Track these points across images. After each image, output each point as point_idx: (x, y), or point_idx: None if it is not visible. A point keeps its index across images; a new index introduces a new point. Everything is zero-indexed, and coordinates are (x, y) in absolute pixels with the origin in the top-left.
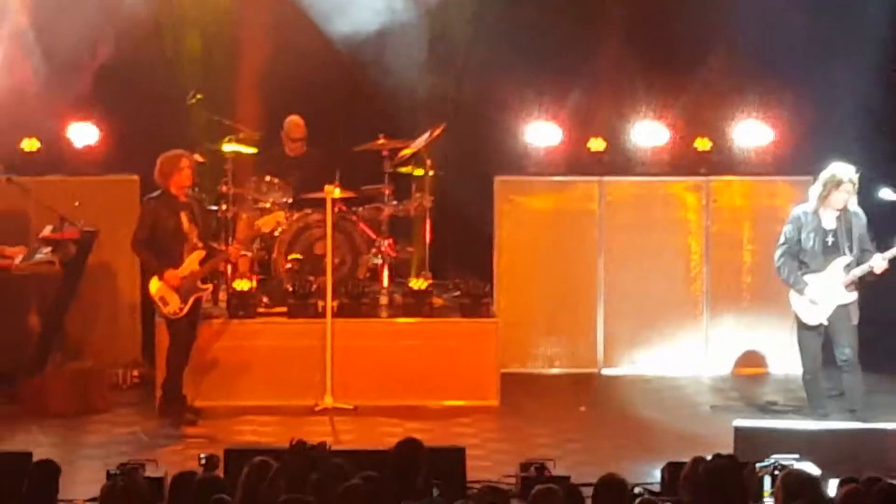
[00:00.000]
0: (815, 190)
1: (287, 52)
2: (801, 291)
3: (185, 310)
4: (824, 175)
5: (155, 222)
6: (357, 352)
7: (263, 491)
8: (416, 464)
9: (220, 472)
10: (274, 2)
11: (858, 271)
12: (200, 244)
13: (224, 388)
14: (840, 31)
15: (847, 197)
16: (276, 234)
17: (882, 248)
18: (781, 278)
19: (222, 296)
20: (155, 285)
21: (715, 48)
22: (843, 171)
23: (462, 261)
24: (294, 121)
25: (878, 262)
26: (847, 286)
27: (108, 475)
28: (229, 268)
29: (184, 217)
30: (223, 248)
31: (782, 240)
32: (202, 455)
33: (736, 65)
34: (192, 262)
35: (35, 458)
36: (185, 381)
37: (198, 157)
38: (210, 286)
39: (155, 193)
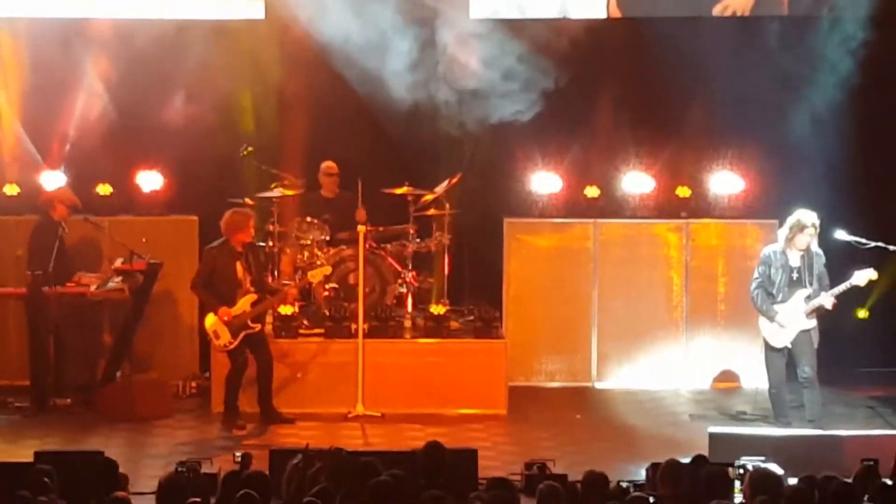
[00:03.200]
0: (783, 233)
1: (326, 113)
2: (771, 318)
3: (235, 344)
4: (790, 220)
5: (213, 269)
6: (385, 367)
7: (306, 483)
8: (441, 463)
9: (265, 470)
10: (315, 69)
11: (814, 304)
12: (253, 289)
13: None
14: (802, 94)
15: (809, 239)
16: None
17: (835, 283)
18: (755, 307)
19: (269, 319)
20: (210, 320)
21: (694, 110)
22: (807, 217)
23: (475, 290)
24: (328, 163)
25: (827, 300)
26: (808, 314)
27: (176, 471)
28: None
29: (239, 266)
30: (282, 289)
31: (756, 275)
32: (237, 454)
33: (712, 124)
34: (244, 303)
35: (106, 457)
36: (242, 395)
37: (248, 201)
38: (259, 326)
39: (216, 243)
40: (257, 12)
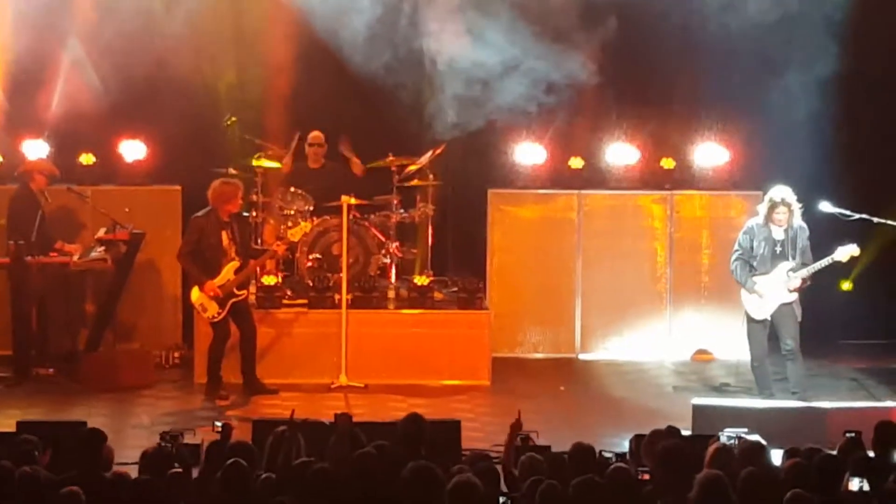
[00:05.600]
0: (762, 208)
1: (310, 83)
2: (750, 290)
3: (223, 314)
4: (765, 198)
5: (200, 238)
6: (368, 338)
7: (284, 455)
8: (420, 434)
9: (248, 440)
10: (300, 38)
11: (792, 283)
12: (237, 257)
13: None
14: (786, 67)
15: (784, 216)
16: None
17: (819, 257)
18: (735, 279)
19: (252, 290)
20: (195, 294)
21: (678, 82)
22: (777, 194)
23: (459, 261)
24: (314, 133)
25: (794, 283)
26: (791, 290)
27: (160, 443)
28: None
29: (225, 235)
30: (268, 250)
31: (736, 247)
32: (217, 423)
33: (696, 96)
34: (227, 272)
35: (89, 427)
36: (225, 365)
37: (232, 171)
38: (245, 292)
39: (202, 212)
40: None
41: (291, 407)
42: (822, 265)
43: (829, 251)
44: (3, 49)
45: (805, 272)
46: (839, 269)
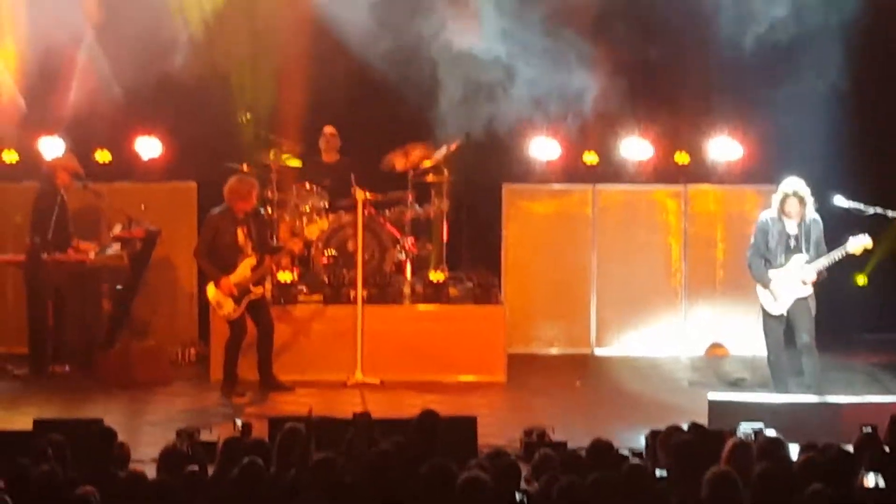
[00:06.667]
0: (774, 199)
1: (325, 79)
2: (766, 285)
3: (240, 311)
4: (777, 190)
5: (215, 236)
6: (383, 334)
7: (297, 452)
8: (436, 431)
9: (264, 437)
10: (314, 33)
11: (808, 275)
12: (253, 254)
13: None
14: (800, 60)
15: (795, 208)
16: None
17: (832, 249)
18: (751, 274)
19: (268, 286)
20: (211, 291)
21: (692, 77)
22: (787, 185)
23: (474, 256)
24: (328, 128)
25: (810, 274)
26: (806, 283)
27: (176, 443)
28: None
29: (240, 232)
30: (285, 246)
31: (752, 241)
32: (238, 421)
33: (710, 90)
34: (244, 268)
35: (105, 425)
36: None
37: (247, 167)
38: (261, 289)
39: (217, 209)
40: None
41: (307, 404)
42: (836, 257)
43: (841, 245)
44: (20, 46)
45: (819, 264)
46: (854, 264)
